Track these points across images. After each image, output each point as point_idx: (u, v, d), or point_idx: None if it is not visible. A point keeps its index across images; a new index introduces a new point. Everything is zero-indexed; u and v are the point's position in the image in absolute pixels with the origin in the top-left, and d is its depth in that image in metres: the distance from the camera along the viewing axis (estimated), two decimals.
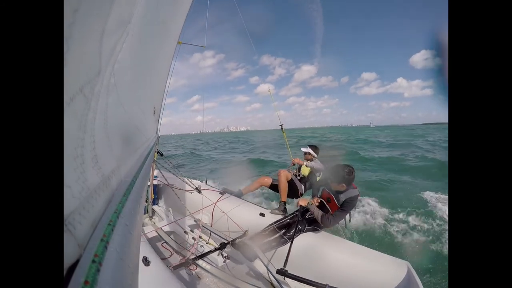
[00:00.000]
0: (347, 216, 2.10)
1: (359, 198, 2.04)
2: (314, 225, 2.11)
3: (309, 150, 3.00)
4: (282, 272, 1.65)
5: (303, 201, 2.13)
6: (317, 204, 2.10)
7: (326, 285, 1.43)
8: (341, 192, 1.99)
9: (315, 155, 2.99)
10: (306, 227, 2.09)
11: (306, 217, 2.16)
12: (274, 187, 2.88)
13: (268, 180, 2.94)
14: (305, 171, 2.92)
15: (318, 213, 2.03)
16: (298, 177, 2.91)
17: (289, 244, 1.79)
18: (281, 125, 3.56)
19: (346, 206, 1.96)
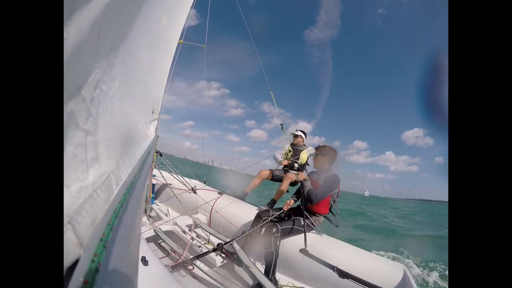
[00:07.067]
0: (335, 218, 2.16)
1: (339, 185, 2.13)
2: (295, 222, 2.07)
3: (301, 133, 3.14)
4: (304, 251, 1.73)
5: (301, 176, 2.13)
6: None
7: (335, 267, 1.48)
8: (321, 174, 2.12)
9: (305, 138, 3.16)
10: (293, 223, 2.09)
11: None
12: (275, 178, 3.03)
13: (267, 173, 3.06)
14: (303, 158, 3.03)
15: (307, 187, 2.06)
16: (297, 165, 3.03)
17: (304, 229, 1.86)
18: (281, 124, 3.63)
19: (327, 182, 2.05)
